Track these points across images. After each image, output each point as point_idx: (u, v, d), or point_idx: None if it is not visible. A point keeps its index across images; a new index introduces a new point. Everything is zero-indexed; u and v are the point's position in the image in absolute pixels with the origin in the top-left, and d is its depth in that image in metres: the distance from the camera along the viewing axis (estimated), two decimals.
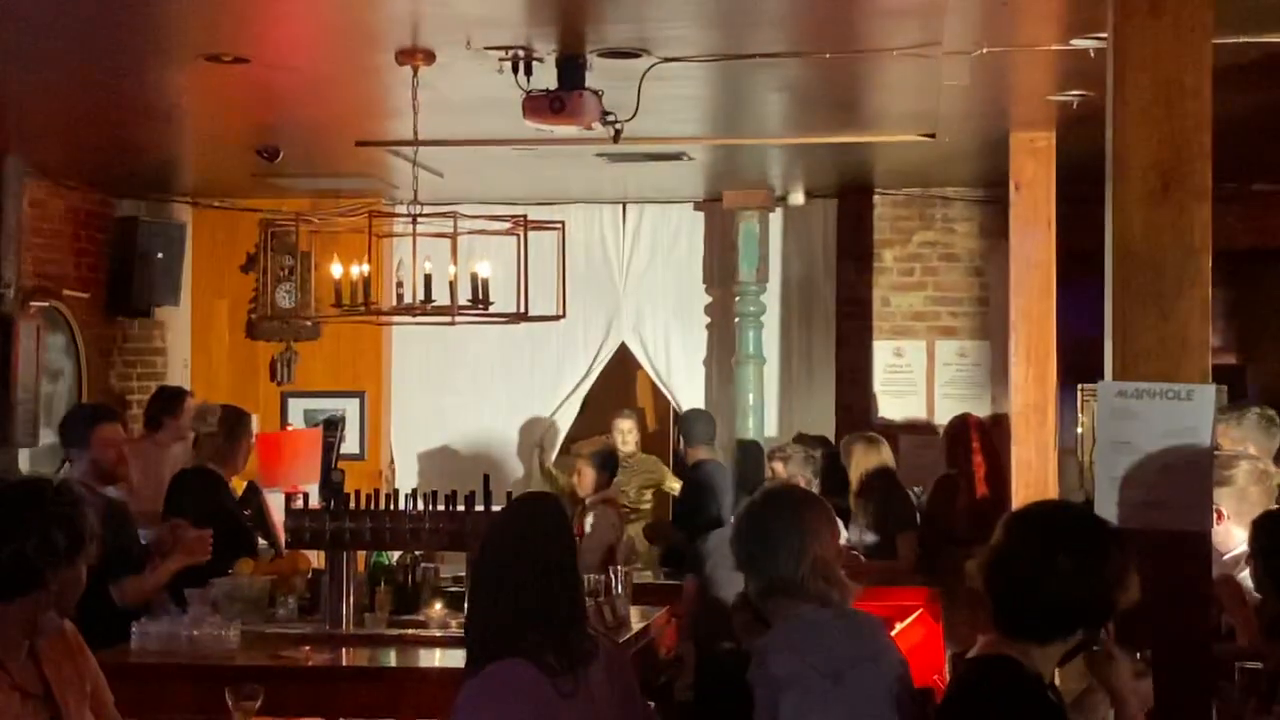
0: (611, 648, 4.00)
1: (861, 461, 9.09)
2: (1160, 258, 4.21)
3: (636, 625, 6.83)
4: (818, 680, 3.80)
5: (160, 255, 10.70)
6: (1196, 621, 4.30)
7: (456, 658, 5.94)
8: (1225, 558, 5.25)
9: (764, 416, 10.88)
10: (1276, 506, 5.52)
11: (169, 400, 9.23)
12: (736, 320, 10.89)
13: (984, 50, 6.46)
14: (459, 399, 11.40)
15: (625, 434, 10.09)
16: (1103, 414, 4.24)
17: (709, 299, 11.30)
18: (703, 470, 9.38)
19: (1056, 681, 3.67)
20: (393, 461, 11.36)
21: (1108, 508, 4.20)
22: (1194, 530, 4.23)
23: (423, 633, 6.43)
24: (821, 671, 3.81)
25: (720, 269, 11.16)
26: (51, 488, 3.95)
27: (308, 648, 6.15)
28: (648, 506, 10.06)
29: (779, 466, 8.77)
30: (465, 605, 6.36)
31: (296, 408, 11.13)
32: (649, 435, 12.29)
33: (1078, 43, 6.33)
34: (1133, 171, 4.23)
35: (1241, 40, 6.12)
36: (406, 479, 11.16)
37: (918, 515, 9.11)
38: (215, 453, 7.71)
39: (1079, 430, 11.06)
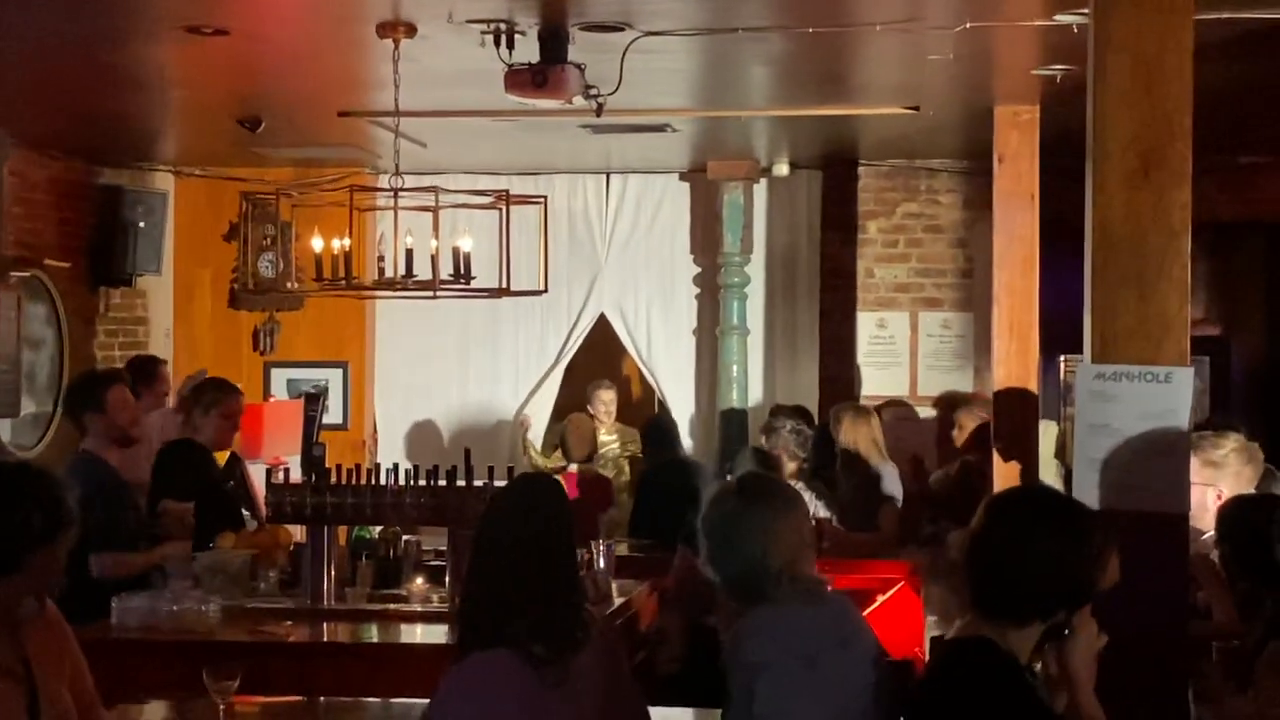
0: (604, 629, 3.97)
1: (849, 432, 9.09)
2: (1140, 240, 4.22)
3: (618, 599, 6.83)
4: (792, 665, 3.79)
5: (142, 224, 10.64)
6: (1174, 603, 4.32)
7: (438, 633, 5.99)
8: (1205, 537, 5.27)
9: (748, 387, 10.89)
10: (1251, 490, 5.56)
11: (145, 369, 9.16)
12: (721, 291, 10.90)
13: (967, 25, 6.43)
14: (443, 369, 11.38)
15: (606, 404, 10.06)
16: (1081, 396, 4.25)
17: (697, 269, 11.30)
18: (681, 461, 9.46)
19: (1036, 666, 3.66)
20: (376, 432, 11.34)
21: (1086, 490, 4.22)
22: (1172, 512, 4.24)
23: (404, 608, 6.42)
24: (795, 656, 3.80)
25: (705, 240, 11.16)
26: (31, 470, 3.94)
27: (289, 623, 6.14)
28: (625, 479, 10.04)
29: (768, 441, 8.72)
30: (447, 582, 6.45)
31: (279, 378, 11.11)
32: (634, 402, 12.28)
33: (1061, 18, 6.30)
34: (1113, 153, 4.23)
35: (1226, 16, 6.10)
36: (389, 449, 11.16)
37: (900, 487, 9.10)
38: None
39: (1060, 401, 11.07)
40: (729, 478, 7.63)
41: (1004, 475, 8.37)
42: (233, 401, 7.63)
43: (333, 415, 10.70)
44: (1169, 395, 4.19)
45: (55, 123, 9.55)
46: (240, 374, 11.05)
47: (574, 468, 9.00)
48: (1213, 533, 5.27)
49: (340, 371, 11.08)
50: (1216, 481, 5.33)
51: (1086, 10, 4.59)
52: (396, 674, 5.66)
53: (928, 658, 6.61)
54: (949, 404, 9.91)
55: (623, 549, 8.53)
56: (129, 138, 10.19)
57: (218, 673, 4.45)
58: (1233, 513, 5.04)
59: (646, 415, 10.57)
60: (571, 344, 11.34)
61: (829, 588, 4.05)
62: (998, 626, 3.57)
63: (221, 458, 8.10)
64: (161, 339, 11.17)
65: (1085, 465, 4.24)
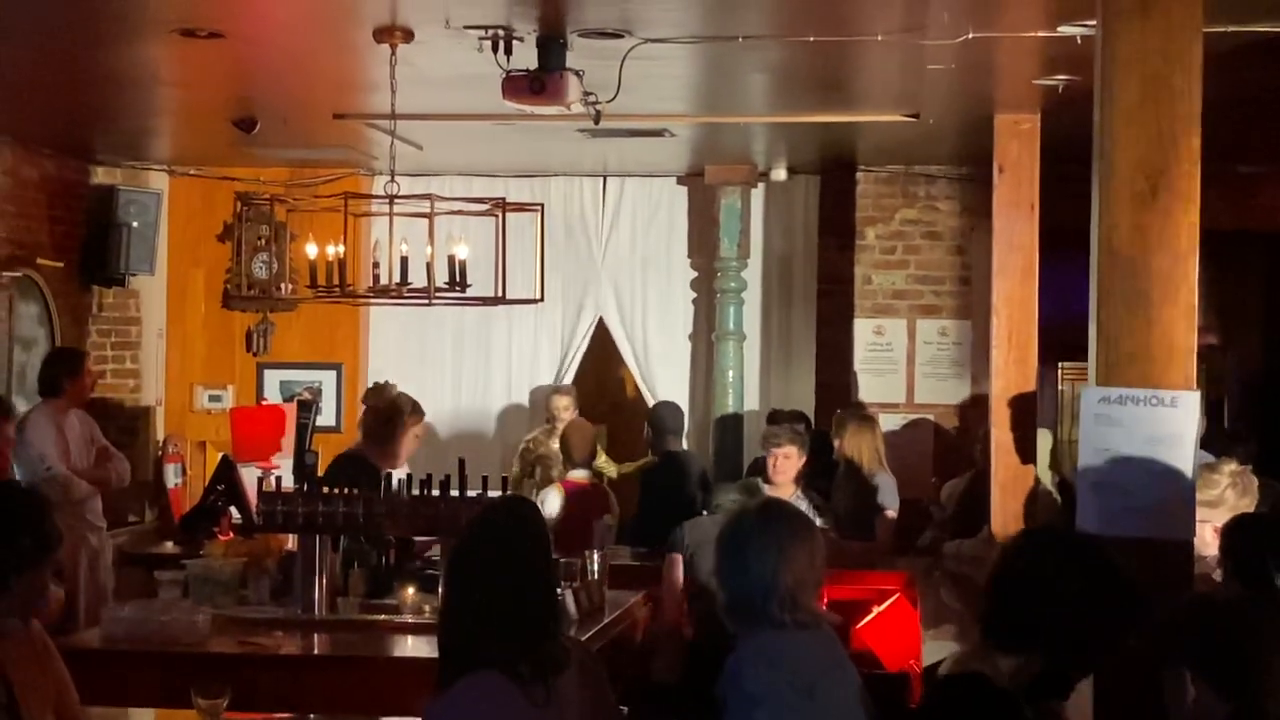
0: (584, 655, 3.93)
1: (851, 440, 9.04)
2: (1146, 262, 4.15)
3: (613, 611, 6.78)
4: (791, 695, 3.75)
5: (135, 224, 10.57)
6: None
7: (429, 646, 5.91)
8: (1206, 557, 5.22)
9: (744, 393, 10.84)
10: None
11: (69, 362, 8.78)
12: (717, 296, 10.85)
13: (970, 35, 6.37)
14: (437, 371, 11.33)
15: (560, 411, 9.99)
16: (1086, 420, 4.18)
17: (693, 274, 11.24)
18: (681, 458, 9.39)
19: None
20: None
21: (1090, 515, 4.16)
22: (1177, 539, 4.18)
23: (396, 618, 6.35)
24: (795, 686, 3.76)
25: (701, 244, 11.10)
26: (19, 491, 3.88)
27: (279, 634, 6.07)
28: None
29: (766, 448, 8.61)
30: (440, 592, 6.38)
31: (272, 379, 11.05)
32: (630, 402, 12.22)
33: (1065, 30, 6.25)
34: (1120, 174, 4.16)
35: (1230, 29, 6.05)
36: None
37: (897, 497, 9.03)
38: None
39: (1056, 410, 11.03)
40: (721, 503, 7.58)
41: (1003, 486, 8.32)
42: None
43: (326, 417, 10.62)
44: (1175, 419, 4.12)
45: (48, 121, 9.48)
46: (234, 375, 11.03)
47: (572, 475, 8.91)
48: (1215, 553, 5.22)
49: (334, 373, 11.02)
50: (1213, 519, 5.27)
51: (1091, 22, 4.53)
52: (388, 688, 5.62)
53: (922, 688, 6.52)
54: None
55: (623, 556, 8.48)
56: (123, 137, 10.12)
57: (207, 690, 4.39)
58: (1235, 530, 4.99)
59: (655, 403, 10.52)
60: (573, 355, 11.27)
61: (825, 620, 4.00)
62: (995, 656, 3.49)
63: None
64: (154, 339, 11.11)
65: (1089, 489, 4.18)
